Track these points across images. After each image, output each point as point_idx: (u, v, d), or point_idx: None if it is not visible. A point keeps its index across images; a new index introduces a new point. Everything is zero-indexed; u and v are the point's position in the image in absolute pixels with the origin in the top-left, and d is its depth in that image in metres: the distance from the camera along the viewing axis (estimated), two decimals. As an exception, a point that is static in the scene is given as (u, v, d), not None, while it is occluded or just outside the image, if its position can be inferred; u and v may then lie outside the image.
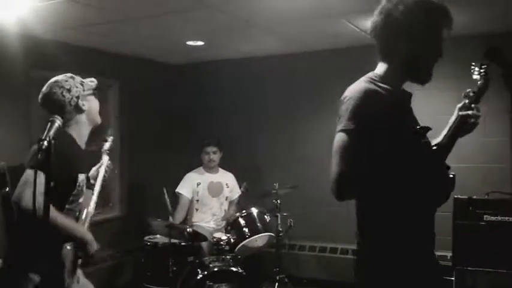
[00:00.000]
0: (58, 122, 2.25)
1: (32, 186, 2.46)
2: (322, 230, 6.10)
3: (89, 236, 2.76)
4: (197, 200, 5.65)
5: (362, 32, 4.99)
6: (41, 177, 2.52)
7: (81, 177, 2.77)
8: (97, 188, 3.11)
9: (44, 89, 2.82)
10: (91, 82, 2.95)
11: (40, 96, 2.83)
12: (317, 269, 6.10)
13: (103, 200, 5.80)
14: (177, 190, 5.64)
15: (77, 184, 2.72)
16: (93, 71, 5.45)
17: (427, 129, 2.05)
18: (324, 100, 6.05)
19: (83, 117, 2.85)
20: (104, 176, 3.23)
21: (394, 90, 2.12)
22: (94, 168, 3.29)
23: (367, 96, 2.02)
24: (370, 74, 2.17)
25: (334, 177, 2.01)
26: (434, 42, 2.10)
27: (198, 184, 5.66)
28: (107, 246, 5.80)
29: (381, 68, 2.18)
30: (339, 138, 2.02)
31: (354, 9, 4.27)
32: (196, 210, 5.67)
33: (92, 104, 2.92)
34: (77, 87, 2.84)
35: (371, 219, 2.13)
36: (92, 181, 3.22)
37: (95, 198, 3.06)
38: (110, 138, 3.45)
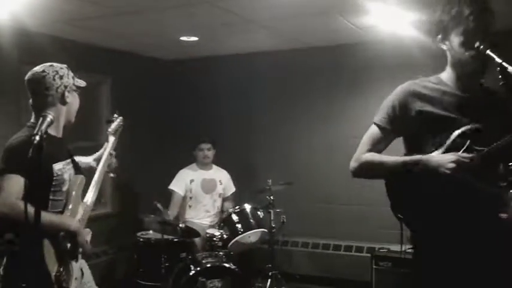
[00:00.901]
0: (50, 116, 2.24)
1: (6, 192, 2.47)
2: (315, 227, 6.12)
3: (75, 227, 2.71)
4: (190, 197, 5.64)
5: (358, 29, 4.99)
6: (20, 181, 2.51)
7: (58, 166, 2.71)
8: (97, 174, 3.05)
9: (37, 68, 2.79)
10: (81, 81, 2.94)
11: (30, 73, 2.79)
12: (310, 265, 6.11)
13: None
14: (169, 187, 5.63)
15: (54, 174, 2.67)
16: (85, 66, 5.44)
17: (476, 130, 2.10)
18: (319, 97, 6.07)
19: (63, 109, 2.82)
20: (110, 161, 3.16)
21: (453, 91, 2.21)
22: (98, 153, 3.24)
23: (402, 96, 2.27)
24: (431, 76, 2.31)
25: (354, 157, 2.38)
26: (462, 31, 2.13)
27: (191, 181, 5.64)
28: (100, 242, 5.78)
29: (446, 70, 2.30)
30: (370, 128, 2.38)
31: (350, 5, 4.25)
32: (190, 207, 5.65)
33: (74, 101, 2.90)
34: (68, 78, 2.83)
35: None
36: (94, 165, 3.17)
37: (93, 187, 2.99)
38: (117, 118, 3.38)
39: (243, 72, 6.40)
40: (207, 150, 5.67)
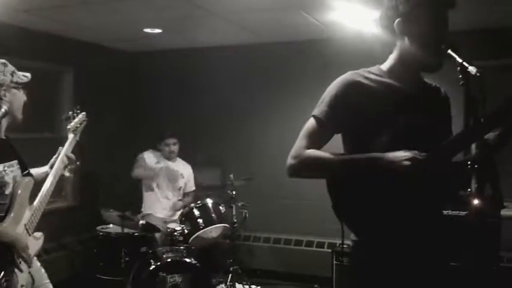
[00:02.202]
0: (5, 107, 2.15)
1: None
2: (276, 222, 6.14)
3: (6, 237, 2.49)
4: (153, 184, 5.60)
5: (321, 25, 5.01)
6: None
7: None
8: (51, 176, 2.84)
9: None
10: (24, 76, 2.73)
11: None
12: (271, 260, 6.13)
13: (56, 189, 5.67)
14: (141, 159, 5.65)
15: None
16: (46, 57, 5.36)
17: (411, 128, 1.98)
18: (286, 93, 6.07)
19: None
20: (66, 163, 2.93)
21: (397, 84, 2.08)
22: (53, 159, 3.00)
23: (344, 88, 2.07)
24: (372, 67, 2.15)
25: (290, 153, 2.11)
26: (432, 23, 2.01)
27: (157, 163, 5.62)
28: (59, 236, 5.69)
29: (387, 61, 2.16)
30: (309, 121, 2.12)
31: (313, 1, 4.27)
32: (152, 194, 5.62)
33: (15, 98, 2.68)
34: (4, 75, 2.63)
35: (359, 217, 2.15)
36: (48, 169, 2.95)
37: (45, 187, 2.79)
38: (78, 114, 3.13)
39: (207, 66, 6.35)
40: (173, 145, 5.64)
